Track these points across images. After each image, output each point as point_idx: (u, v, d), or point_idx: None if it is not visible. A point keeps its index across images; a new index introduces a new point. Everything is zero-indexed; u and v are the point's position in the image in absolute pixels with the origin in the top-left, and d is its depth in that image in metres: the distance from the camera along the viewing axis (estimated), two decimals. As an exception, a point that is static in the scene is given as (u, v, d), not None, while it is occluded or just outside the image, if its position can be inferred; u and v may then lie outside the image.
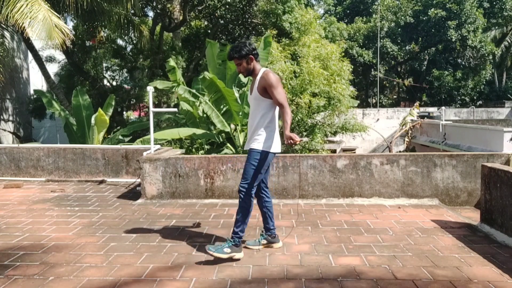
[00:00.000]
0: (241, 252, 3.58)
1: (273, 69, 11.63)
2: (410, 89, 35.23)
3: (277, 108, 3.62)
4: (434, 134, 17.71)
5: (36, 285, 3.11)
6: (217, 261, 3.50)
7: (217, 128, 10.55)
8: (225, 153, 10.16)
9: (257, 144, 3.57)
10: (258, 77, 3.58)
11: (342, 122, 13.72)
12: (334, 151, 17.41)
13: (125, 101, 19.52)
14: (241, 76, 8.81)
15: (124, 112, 21.49)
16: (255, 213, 4.06)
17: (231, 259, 3.49)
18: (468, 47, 30.15)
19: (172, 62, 10.68)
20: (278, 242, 3.86)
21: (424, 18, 30.68)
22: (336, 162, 5.54)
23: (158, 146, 6.93)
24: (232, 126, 10.73)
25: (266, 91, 3.52)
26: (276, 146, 3.62)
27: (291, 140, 3.33)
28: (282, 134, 3.51)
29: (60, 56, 19.47)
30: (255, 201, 3.74)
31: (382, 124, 23.63)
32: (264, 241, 3.82)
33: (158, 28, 19.01)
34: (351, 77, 13.35)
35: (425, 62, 34.70)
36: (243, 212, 3.57)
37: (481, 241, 3.97)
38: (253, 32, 19.17)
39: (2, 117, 17.39)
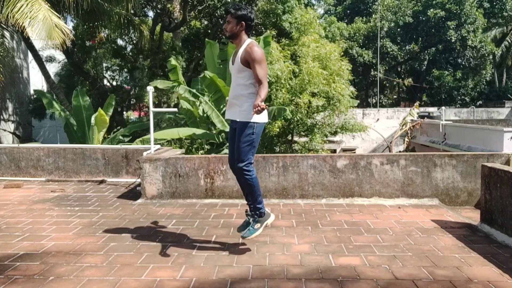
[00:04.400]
0: (271, 215, 3.66)
1: (272, 69, 11.62)
2: (410, 89, 35.24)
3: None
4: (434, 134, 17.69)
5: (36, 285, 3.11)
6: (218, 261, 3.50)
7: (217, 128, 10.55)
8: (225, 153, 10.16)
9: (247, 115, 3.43)
10: (242, 48, 3.49)
11: (342, 122, 13.71)
12: (334, 151, 17.41)
13: (125, 101, 19.56)
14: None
15: (124, 112, 21.52)
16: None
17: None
18: (468, 47, 30.17)
19: (173, 61, 10.69)
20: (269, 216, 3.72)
21: (423, 18, 30.69)
22: (336, 162, 5.54)
23: (158, 146, 6.93)
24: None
25: (249, 64, 3.43)
26: (265, 115, 3.56)
27: (258, 108, 3.18)
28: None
29: (60, 56, 19.48)
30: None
31: (382, 124, 23.61)
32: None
33: (158, 28, 19.03)
34: (350, 77, 13.33)
35: (425, 62, 34.70)
36: (255, 189, 3.56)
37: (481, 241, 3.96)
38: (253, 32, 19.15)
39: (2, 117, 17.38)
